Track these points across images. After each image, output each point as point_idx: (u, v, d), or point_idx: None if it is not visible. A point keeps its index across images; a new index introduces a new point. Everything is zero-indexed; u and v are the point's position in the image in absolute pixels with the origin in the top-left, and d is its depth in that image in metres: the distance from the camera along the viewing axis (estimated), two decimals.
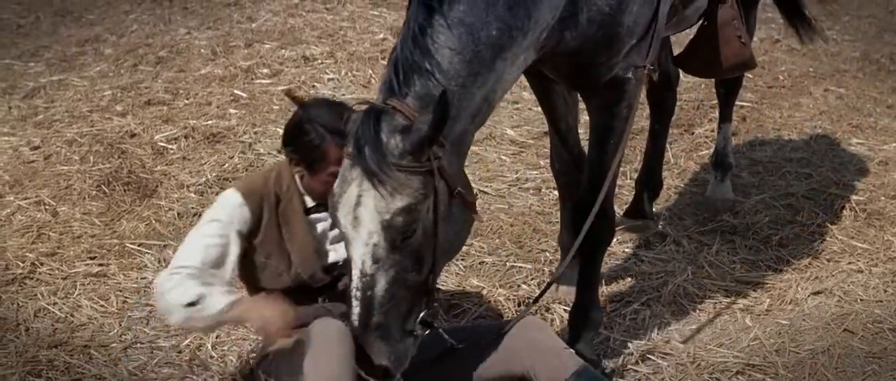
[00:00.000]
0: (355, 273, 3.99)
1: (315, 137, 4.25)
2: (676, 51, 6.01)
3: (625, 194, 6.64)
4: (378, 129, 3.87)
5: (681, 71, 6.42)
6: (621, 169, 5.36)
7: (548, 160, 5.84)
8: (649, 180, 6.50)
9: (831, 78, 9.26)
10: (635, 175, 6.68)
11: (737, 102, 7.27)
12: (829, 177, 7.13)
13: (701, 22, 5.46)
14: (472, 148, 7.20)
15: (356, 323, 3.99)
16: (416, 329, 4.13)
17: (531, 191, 6.84)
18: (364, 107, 3.98)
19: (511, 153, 7.40)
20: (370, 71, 8.60)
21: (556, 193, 5.84)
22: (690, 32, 5.69)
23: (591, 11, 4.41)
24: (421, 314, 4.14)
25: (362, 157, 3.87)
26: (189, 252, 4.30)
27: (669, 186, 6.92)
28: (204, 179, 6.86)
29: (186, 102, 8.12)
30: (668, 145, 6.88)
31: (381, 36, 9.52)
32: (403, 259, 3.98)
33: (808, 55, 9.87)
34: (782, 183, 7.04)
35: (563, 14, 4.31)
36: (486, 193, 6.78)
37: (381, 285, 3.98)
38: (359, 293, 3.98)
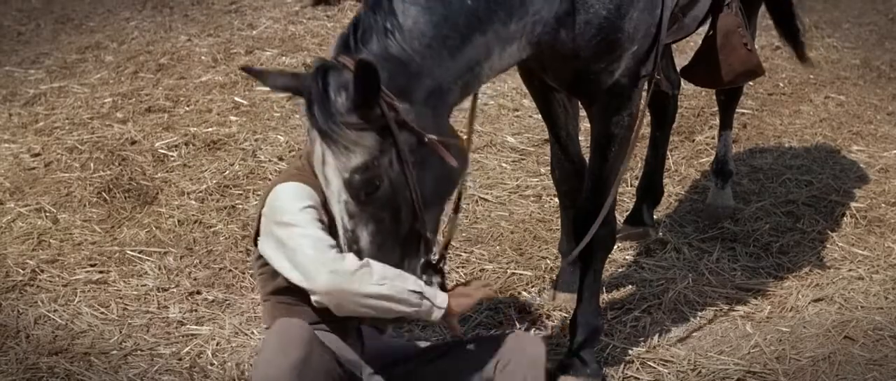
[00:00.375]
0: (340, 230, 4.01)
1: None
2: (677, 59, 6.03)
3: (625, 201, 6.63)
4: (325, 85, 3.86)
5: (681, 78, 6.43)
6: (622, 177, 5.35)
7: (548, 168, 5.85)
8: (650, 188, 6.50)
9: (832, 85, 9.26)
10: (636, 182, 6.68)
11: (737, 110, 7.26)
12: (830, 184, 7.13)
13: (706, 32, 5.45)
14: (472, 155, 7.27)
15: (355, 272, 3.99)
16: (420, 276, 4.11)
17: (532, 198, 6.83)
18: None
19: (512, 161, 7.40)
20: None
21: (556, 200, 5.84)
22: (692, 41, 5.69)
23: (589, 14, 4.41)
24: (422, 260, 4.13)
25: (312, 115, 3.87)
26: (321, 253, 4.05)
27: (670, 193, 6.92)
28: (204, 186, 6.86)
29: (187, 109, 8.12)
30: (668, 153, 6.88)
31: None
32: (377, 212, 3.97)
33: (808, 62, 9.86)
34: (783, 190, 7.03)
35: (559, 11, 4.32)
36: (486, 200, 6.78)
37: (364, 238, 3.99)
38: (346, 248, 4.00)
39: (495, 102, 8.45)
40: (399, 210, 4.00)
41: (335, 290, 3.95)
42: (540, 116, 5.64)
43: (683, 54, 5.87)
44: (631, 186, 6.79)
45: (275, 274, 4.20)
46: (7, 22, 11.22)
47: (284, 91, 4.15)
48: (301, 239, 4.02)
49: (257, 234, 4.26)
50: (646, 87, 4.88)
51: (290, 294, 4.18)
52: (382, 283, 3.96)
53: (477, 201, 6.70)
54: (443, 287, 4.26)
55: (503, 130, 7.84)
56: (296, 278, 4.03)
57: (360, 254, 3.98)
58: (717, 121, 7.11)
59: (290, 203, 4.12)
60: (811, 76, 9.44)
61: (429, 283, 4.14)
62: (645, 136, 6.82)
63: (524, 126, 7.96)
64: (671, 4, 4.76)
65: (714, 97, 7.08)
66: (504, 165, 7.32)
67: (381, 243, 4.00)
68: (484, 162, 7.33)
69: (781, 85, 9.18)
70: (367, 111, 3.85)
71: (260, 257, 4.27)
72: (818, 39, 10.77)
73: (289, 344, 3.97)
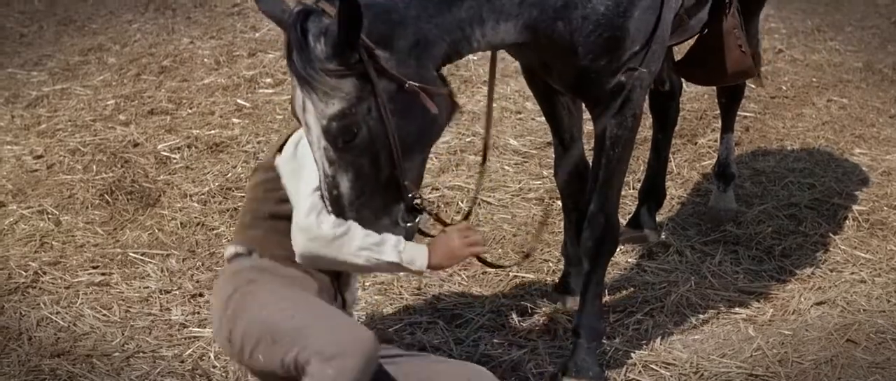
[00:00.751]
0: (321, 175, 4.01)
1: None
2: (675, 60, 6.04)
3: (628, 204, 6.63)
4: (305, 31, 3.86)
5: (683, 81, 6.43)
6: (625, 180, 5.35)
7: (551, 171, 5.85)
8: (652, 191, 6.50)
9: (834, 88, 9.26)
10: (638, 186, 6.67)
11: (739, 113, 7.27)
12: (832, 187, 7.12)
13: (702, 30, 5.46)
14: (475, 158, 7.28)
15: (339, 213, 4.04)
16: (403, 219, 4.11)
17: (534, 201, 6.83)
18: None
19: (514, 163, 7.39)
20: None
21: (559, 203, 5.84)
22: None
23: (586, 9, 4.41)
24: (403, 205, 4.10)
25: (291, 61, 3.88)
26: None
27: (672, 196, 6.92)
28: (207, 188, 6.86)
29: (189, 111, 8.13)
30: (670, 156, 6.87)
31: None
32: (356, 159, 3.96)
33: (810, 65, 9.88)
34: (785, 193, 7.03)
35: (557, 2, 4.34)
36: (489, 202, 6.78)
37: (344, 184, 3.99)
38: (327, 194, 4.01)
39: (498, 104, 8.44)
40: (378, 157, 3.98)
41: (310, 255, 4.05)
42: (542, 119, 5.65)
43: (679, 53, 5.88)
44: (633, 189, 6.79)
45: (282, 198, 4.20)
46: (9, 24, 11.22)
47: (271, 18, 4.12)
48: (307, 183, 4.08)
49: (281, 147, 4.27)
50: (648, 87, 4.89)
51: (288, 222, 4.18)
52: (359, 254, 4.01)
53: (479, 204, 6.70)
54: (422, 233, 4.30)
55: (506, 133, 7.84)
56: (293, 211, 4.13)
57: (339, 200, 3.99)
58: (719, 124, 7.10)
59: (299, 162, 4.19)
60: (814, 79, 9.45)
61: (410, 226, 4.14)
62: (647, 139, 6.83)
63: (527, 129, 7.96)
64: (675, 6, 4.77)
65: (716, 100, 7.08)
66: (506, 167, 7.32)
67: (361, 190, 4.00)
68: (486, 165, 7.31)
69: (784, 88, 9.18)
70: (347, 57, 3.85)
71: (270, 170, 4.26)
72: (820, 42, 10.77)
73: None
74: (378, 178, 4.01)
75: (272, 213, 4.24)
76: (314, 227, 4.00)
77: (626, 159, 4.92)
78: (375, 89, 3.90)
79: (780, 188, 7.11)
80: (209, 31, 10.28)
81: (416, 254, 4.12)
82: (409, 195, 4.08)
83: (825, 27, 11.36)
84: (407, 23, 3.99)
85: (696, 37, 5.51)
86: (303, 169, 4.11)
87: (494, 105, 8.34)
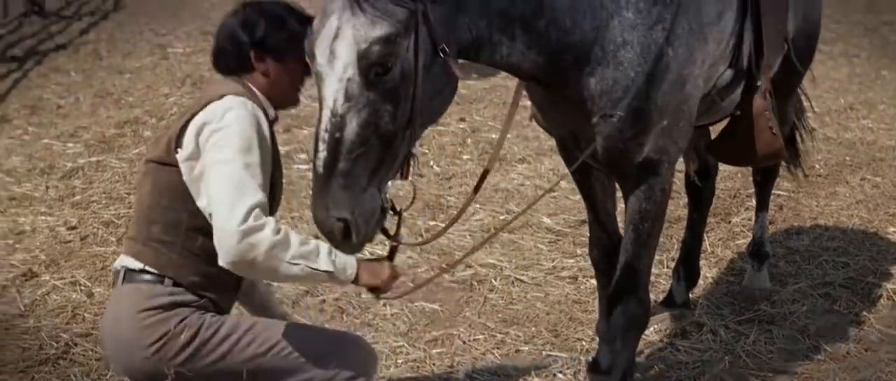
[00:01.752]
0: (325, 114, 3.84)
1: (275, 18, 4.17)
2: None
3: (662, 283, 6.61)
4: None
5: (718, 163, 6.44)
6: (659, 258, 5.34)
7: (585, 249, 5.85)
8: (686, 269, 6.49)
9: (867, 167, 9.25)
10: (672, 264, 6.66)
11: (773, 191, 7.26)
12: (867, 266, 7.09)
13: (734, 111, 5.45)
14: (509, 235, 7.28)
15: (321, 170, 3.84)
16: (385, 201, 4.00)
17: (568, 280, 6.81)
18: None
19: (548, 241, 7.39)
20: None
21: (593, 281, 5.83)
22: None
23: (618, 71, 4.43)
24: (390, 182, 4.02)
25: None
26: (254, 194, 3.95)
27: (706, 275, 6.90)
28: None
29: None
30: (705, 234, 6.86)
31: None
32: (377, 100, 3.85)
33: (843, 144, 9.88)
34: (819, 272, 7.00)
35: (587, 38, 4.37)
36: (522, 281, 6.76)
37: (352, 126, 3.83)
38: (327, 135, 3.83)
39: (532, 182, 8.48)
40: (397, 107, 3.88)
41: (243, 263, 3.87)
42: (577, 197, 5.66)
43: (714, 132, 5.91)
44: (667, 267, 6.77)
45: (195, 209, 4.08)
46: (47, 95, 11.34)
47: None
48: (238, 185, 3.90)
49: (179, 141, 4.08)
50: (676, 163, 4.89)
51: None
52: (295, 263, 3.90)
53: (513, 282, 6.69)
54: (388, 234, 4.20)
55: (539, 211, 7.84)
56: (211, 219, 3.94)
57: (338, 145, 3.81)
58: (753, 203, 7.09)
59: (248, 128, 4.01)
60: (847, 158, 9.45)
61: (386, 205, 4.01)
62: (681, 217, 6.82)
63: (560, 207, 7.96)
64: (701, 85, 4.77)
65: (750, 179, 7.07)
66: (540, 246, 7.31)
67: (366, 138, 3.84)
68: (520, 243, 7.32)
69: (817, 167, 9.17)
70: None
71: (171, 171, 4.09)
72: (853, 121, 10.78)
73: None
74: (384, 130, 3.89)
75: (189, 227, 4.12)
76: (253, 233, 3.83)
77: (656, 235, 4.91)
78: (420, 34, 3.88)
79: (815, 267, 7.08)
80: None
81: (347, 264, 4.04)
82: (405, 172, 4.03)
83: (858, 106, 11.37)
84: None
85: (728, 117, 5.51)
86: (219, 166, 3.93)
87: (528, 183, 8.45)
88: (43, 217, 7.68)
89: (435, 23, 3.93)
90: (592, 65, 4.43)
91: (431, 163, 8.85)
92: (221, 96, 4.05)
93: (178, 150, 4.05)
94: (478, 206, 7.92)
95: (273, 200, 4.21)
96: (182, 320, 4.10)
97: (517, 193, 8.26)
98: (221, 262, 3.89)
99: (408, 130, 3.94)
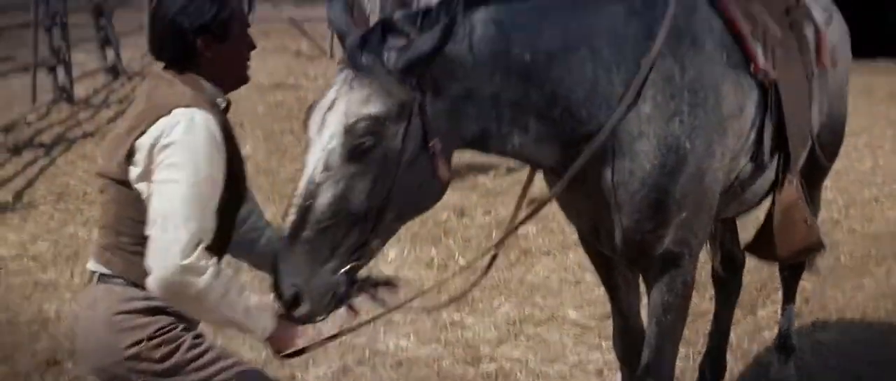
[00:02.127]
0: (303, 180, 3.86)
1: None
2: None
3: (688, 377, 6.59)
4: (384, 38, 3.94)
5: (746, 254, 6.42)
6: (685, 352, 5.33)
7: (610, 342, 5.82)
8: (712, 363, 6.47)
9: (893, 259, 9.23)
10: (699, 358, 6.63)
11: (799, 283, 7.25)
12: (895, 359, 7.05)
13: (769, 206, 5.44)
14: (534, 329, 7.28)
15: (286, 234, 3.83)
16: (343, 280, 3.92)
17: (593, 373, 6.78)
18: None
19: (573, 335, 7.38)
20: (433, 249, 8.66)
21: (618, 374, 5.80)
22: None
23: (634, 163, 4.44)
24: (352, 264, 3.94)
25: (356, 54, 3.92)
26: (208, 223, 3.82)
27: (732, 369, 6.86)
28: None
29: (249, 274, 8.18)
30: (731, 328, 6.84)
31: (445, 216, 9.62)
32: (355, 176, 3.86)
33: (868, 236, 9.86)
34: (847, 365, 6.96)
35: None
36: (547, 375, 6.74)
37: (325, 197, 3.83)
38: (299, 201, 3.83)
39: (557, 275, 8.48)
40: (372, 188, 3.89)
41: (174, 291, 3.73)
42: (602, 290, 5.65)
43: (745, 230, 5.90)
44: (693, 361, 6.75)
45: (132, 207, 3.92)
46: (74, 182, 11.44)
47: (336, 28, 4.17)
48: (185, 211, 3.74)
49: (130, 159, 3.88)
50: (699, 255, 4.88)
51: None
52: (222, 302, 3.78)
53: (538, 376, 6.67)
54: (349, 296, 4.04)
55: (565, 304, 7.84)
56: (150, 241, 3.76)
57: (307, 213, 3.80)
58: (779, 295, 7.08)
59: (200, 144, 3.82)
60: (872, 250, 9.43)
61: (344, 289, 3.93)
62: (707, 311, 6.81)
63: (586, 300, 7.96)
64: (722, 178, 4.77)
65: (776, 271, 7.06)
66: (566, 339, 7.30)
67: (336, 213, 3.84)
68: (545, 336, 7.31)
69: (843, 259, 9.16)
70: (408, 74, 3.89)
71: (125, 185, 3.92)
72: (878, 212, 10.77)
73: None
74: (355, 209, 3.88)
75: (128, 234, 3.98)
76: (192, 273, 3.69)
77: (680, 328, 4.90)
78: (412, 123, 3.92)
79: (842, 360, 7.05)
80: (270, 196, 10.39)
81: (264, 320, 3.94)
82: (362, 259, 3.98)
83: (883, 198, 11.37)
84: (456, 77, 4.05)
85: (765, 214, 5.48)
86: (167, 187, 3.77)
87: (554, 275, 8.46)
88: (68, 304, 7.70)
89: (433, 116, 3.98)
90: (608, 156, 4.45)
91: (457, 255, 8.87)
92: (170, 111, 3.84)
93: (130, 168, 3.88)
94: (503, 298, 7.93)
95: (237, 196, 4.08)
96: (159, 330, 3.95)
97: (543, 286, 8.27)
98: (150, 284, 3.75)
99: (380, 216, 3.95)
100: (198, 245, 3.72)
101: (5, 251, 9.09)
